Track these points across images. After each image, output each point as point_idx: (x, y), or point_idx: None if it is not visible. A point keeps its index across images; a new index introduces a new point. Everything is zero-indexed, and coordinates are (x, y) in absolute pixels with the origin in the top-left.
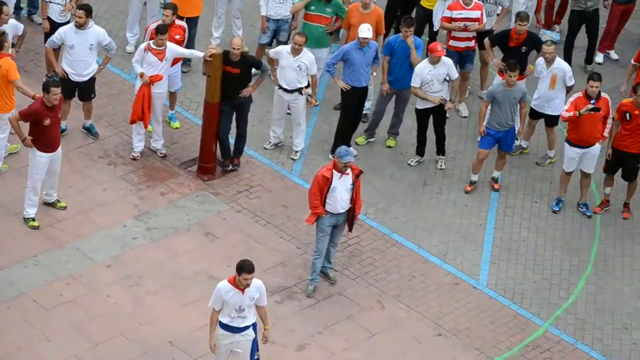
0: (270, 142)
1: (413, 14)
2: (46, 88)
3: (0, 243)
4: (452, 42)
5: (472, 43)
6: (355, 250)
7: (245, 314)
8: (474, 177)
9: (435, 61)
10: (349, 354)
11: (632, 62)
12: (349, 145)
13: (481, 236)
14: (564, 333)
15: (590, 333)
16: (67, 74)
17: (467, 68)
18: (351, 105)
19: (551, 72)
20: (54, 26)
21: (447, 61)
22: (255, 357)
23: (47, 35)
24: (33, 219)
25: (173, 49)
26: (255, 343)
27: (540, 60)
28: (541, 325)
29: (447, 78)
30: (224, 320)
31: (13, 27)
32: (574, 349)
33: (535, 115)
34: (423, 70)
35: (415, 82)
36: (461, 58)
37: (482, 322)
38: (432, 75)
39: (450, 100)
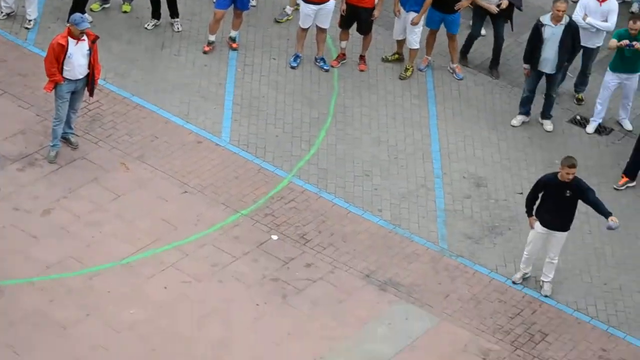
0: (2, 12)
1: None
2: None
3: None
4: None
5: None
6: (97, 114)
7: None
8: (212, 37)
9: None
10: (94, 216)
11: None
12: (83, 12)
13: (221, 94)
14: (307, 183)
15: (333, 181)
16: None
17: None
18: None
19: None
20: None
21: None
22: None
23: None
24: None
25: None
26: None
27: None
28: (285, 177)
29: None
30: None
31: None
32: (318, 197)
33: None
34: None
35: None
36: None
37: (226, 178)
38: None
39: None
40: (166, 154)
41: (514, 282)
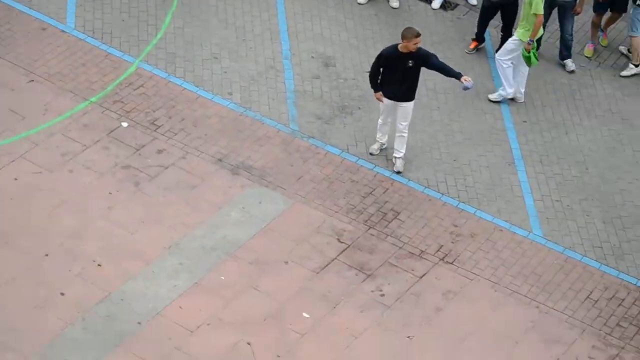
0: None
1: None
2: None
3: None
4: None
5: None
6: None
7: None
8: None
9: None
10: None
11: None
12: None
13: None
14: (155, 68)
15: (182, 66)
16: None
17: None
18: None
19: None
20: None
21: None
22: None
23: None
24: None
25: None
26: None
27: None
28: (132, 62)
29: None
30: None
31: None
32: (167, 82)
33: None
34: None
35: None
36: None
37: (73, 65)
38: None
39: None
40: (10, 42)
41: (371, 154)
